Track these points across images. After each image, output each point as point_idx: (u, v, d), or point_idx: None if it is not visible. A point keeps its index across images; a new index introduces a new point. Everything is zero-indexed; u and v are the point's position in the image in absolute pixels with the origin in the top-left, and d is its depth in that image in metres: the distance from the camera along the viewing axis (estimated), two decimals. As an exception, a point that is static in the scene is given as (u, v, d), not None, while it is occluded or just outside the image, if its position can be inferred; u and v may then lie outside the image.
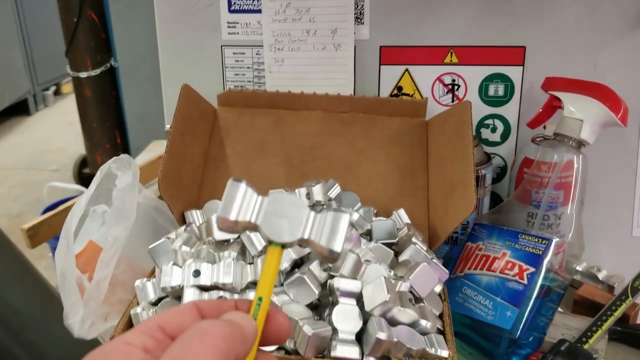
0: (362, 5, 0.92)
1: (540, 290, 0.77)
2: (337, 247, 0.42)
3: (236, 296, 0.67)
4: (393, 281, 0.67)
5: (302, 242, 0.43)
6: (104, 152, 2.61)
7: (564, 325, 0.84)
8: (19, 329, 1.15)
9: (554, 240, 0.79)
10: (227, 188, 0.42)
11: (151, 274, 0.79)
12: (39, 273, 1.27)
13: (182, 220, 0.84)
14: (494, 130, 0.95)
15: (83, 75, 2.45)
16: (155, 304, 0.70)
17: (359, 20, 0.93)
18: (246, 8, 0.94)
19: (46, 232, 1.75)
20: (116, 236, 0.77)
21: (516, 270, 0.80)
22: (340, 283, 0.65)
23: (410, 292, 0.69)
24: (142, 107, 2.44)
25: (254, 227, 0.42)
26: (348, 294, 0.65)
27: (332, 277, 0.69)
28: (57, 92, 4.15)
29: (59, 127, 3.70)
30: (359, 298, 0.65)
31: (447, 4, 0.91)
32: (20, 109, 3.79)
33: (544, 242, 0.79)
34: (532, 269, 0.78)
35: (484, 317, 0.80)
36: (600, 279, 0.92)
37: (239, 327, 0.38)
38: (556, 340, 0.79)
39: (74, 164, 2.83)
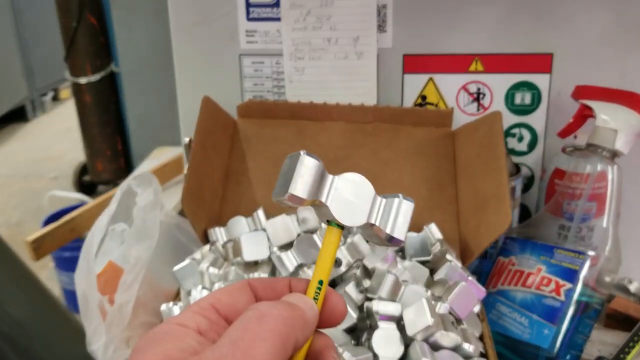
0: (385, 13, 0.90)
1: (577, 307, 0.75)
2: (401, 235, 0.41)
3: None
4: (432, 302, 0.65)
5: (366, 227, 0.41)
6: (105, 159, 2.56)
7: (599, 341, 0.82)
8: (24, 344, 1.12)
9: (590, 254, 0.77)
10: (299, 163, 0.39)
11: (176, 297, 0.77)
12: (44, 285, 1.25)
13: (205, 238, 0.81)
14: (520, 139, 0.93)
15: (83, 81, 2.42)
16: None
17: (382, 28, 0.90)
18: (265, 16, 0.92)
19: (50, 244, 1.72)
20: (138, 257, 0.74)
21: (552, 286, 0.77)
22: (380, 306, 0.62)
23: (450, 313, 0.66)
24: (145, 113, 2.40)
25: (320, 206, 0.40)
26: (388, 318, 0.62)
27: (368, 299, 0.66)
28: (55, 98, 4.10)
29: (57, 133, 3.65)
30: (398, 321, 0.63)
31: (473, 10, 0.88)
32: (17, 116, 3.74)
33: (580, 256, 0.77)
34: (569, 285, 0.76)
35: (520, 335, 0.77)
36: (632, 291, 0.90)
37: (300, 310, 0.36)
38: (593, 357, 0.77)
39: (74, 171, 2.79)
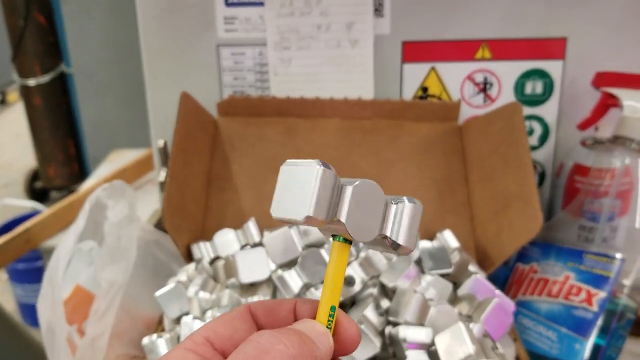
0: (382, -5, 0.80)
1: (611, 317, 0.67)
2: (411, 244, 0.34)
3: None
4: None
5: (377, 239, 0.34)
6: (57, 164, 2.42)
7: (629, 352, 0.74)
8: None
9: (619, 257, 0.69)
10: (316, 178, 0.31)
11: (158, 326, 0.66)
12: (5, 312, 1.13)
13: (188, 255, 0.70)
14: (530, 132, 0.85)
15: (32, 82, 2.27)
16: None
17: (379, 12, 0.81)
18: (246, 1, 0.81)
19: (4, 257, 1.58)
20: (112, 281, 0.63)
21: (583, 295, 0.69)
22: (408, 332, 0.53)
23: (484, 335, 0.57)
24: (100, 115, 2.27)
25: (335, 223, 0.32)
26: (417, 346, 0.53)
27: (389, 322, 0.57)
28: (2, 101, 3.89)
29: (6, 139, 3.45)
30: (429, 348, 0.53)
31: (478, -9, 0.80)
32: (-37, 122, 3.52)
33: (614, 261, 0.69)
34: (602, 294, 0.68)
35: (548, 350, 0.70)
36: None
37: (311, 344, 0.31)
38: (628, 372, 0.70)
39: (25, 177, 2.62)
